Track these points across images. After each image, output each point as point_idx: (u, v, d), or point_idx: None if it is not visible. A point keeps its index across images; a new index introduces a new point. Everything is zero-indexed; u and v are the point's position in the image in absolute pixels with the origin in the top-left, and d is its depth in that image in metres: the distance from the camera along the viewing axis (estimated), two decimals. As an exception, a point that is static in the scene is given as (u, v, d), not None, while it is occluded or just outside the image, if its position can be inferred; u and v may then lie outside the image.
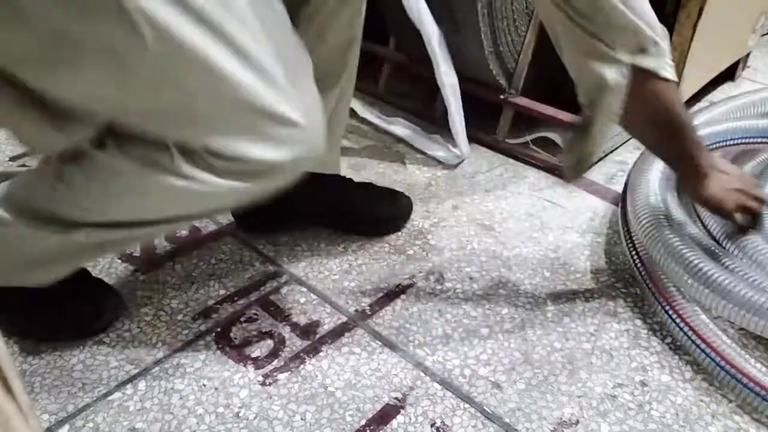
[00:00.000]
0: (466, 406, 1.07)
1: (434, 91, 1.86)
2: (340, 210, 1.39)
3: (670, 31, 1.70)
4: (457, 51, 1.69)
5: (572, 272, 1.35)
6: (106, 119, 0.83)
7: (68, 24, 0.72)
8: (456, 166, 1.69)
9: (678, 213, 1.24)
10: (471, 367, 1.14)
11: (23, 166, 1.61)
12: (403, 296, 1.29)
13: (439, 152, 1.71)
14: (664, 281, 1.18)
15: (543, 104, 1.69)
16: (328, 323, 1.22)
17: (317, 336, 1.20)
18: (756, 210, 1.19)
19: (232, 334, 1.19)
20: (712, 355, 1.08)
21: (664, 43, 1.00)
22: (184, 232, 1.44)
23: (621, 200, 1.40)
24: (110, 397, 1.07)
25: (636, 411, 1.07)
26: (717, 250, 1.14)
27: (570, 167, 1.14)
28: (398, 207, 1.47)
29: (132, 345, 1.17)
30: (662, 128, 1.06)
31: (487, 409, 1.06)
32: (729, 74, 2.10)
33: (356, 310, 1.25)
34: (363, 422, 1.04)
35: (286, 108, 0.80)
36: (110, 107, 0.81)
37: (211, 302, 1.26)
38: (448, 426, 1.03)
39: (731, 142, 1.44)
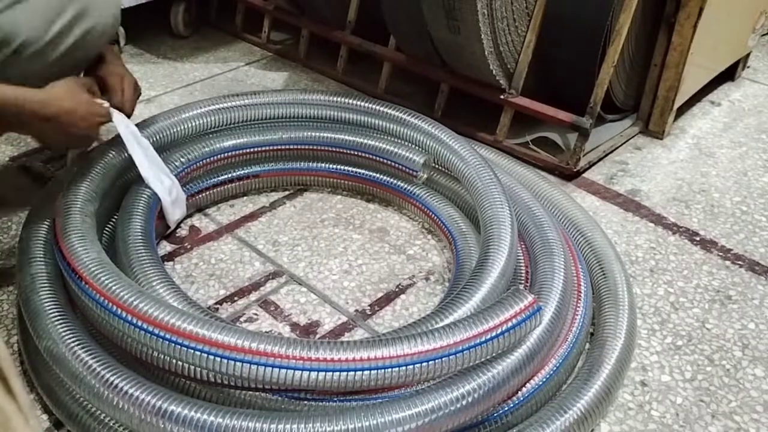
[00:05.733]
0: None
1: (434, 91, 1.86)
2: None
3: (670, 31, 1.71)
4: (457, 51, 1.69)
5: (572, 272, 1.35)
6: None
7: None
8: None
9: None
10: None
11: (23, 167, 1.61)
12: (403, 296, 1.29)
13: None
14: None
15: (543, 104, 1.69)
16: (328, 323, 1.22)
17: (317, 336, 1.20)
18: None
19: (232, 334, 1.19)
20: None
21: None
22: (184, 232, 1.44)
23: None
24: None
25: (636, 411, 1.07)
26: None
27: None
28: None
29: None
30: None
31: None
32: (729, 74, 2.11)
33: (356, 310, 1.26)
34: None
35: None
36: None
37: (211, 302, 1.26)
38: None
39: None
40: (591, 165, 1.70)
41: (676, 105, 1.79)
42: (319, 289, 1.30)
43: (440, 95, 1.85)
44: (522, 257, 1.25)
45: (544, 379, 1.04)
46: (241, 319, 1.22)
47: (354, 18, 2.01)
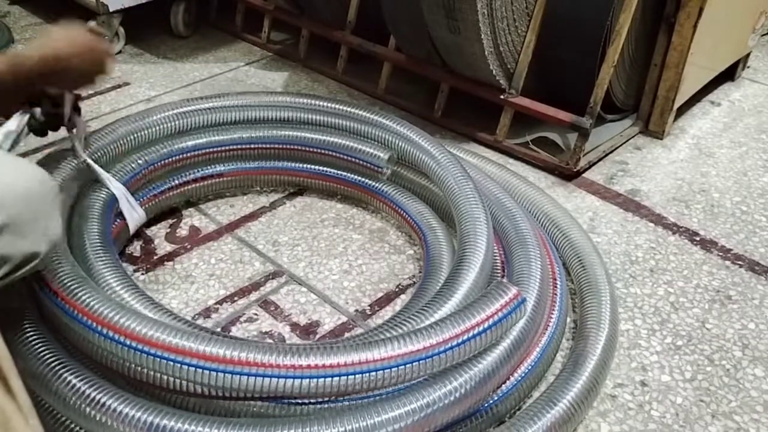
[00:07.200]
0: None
1: (434, 91, 1.86)
2: None
3: (670, 31, 1.71)
4: (457, 51, 1.69)
5: (572, 272, 1.36)
6: None
7: None
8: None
9: None
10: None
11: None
12: (403, 296, 1.29)
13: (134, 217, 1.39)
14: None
15: (543, 104, 1.69)
16: (328, 323, 1.22)
17: (317, 336, 1.20)
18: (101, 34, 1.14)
19: (232, 335, 1.19)
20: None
21: None
22: (184, 232, 1.44)
23: None
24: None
25: (636, 411, 1.07)
26: None
27: None
28: None
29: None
30: None
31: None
32: (729, 74, 2.11)
33: (356, 310, 1.26)
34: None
35: None
36: None
37: (211, 302, 1.26)
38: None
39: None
40: (591, 165, 1.70)
41: (676, 105, 1.79)
42: (319, 289, 1.30)
43: (440, 95, 1.85)
44: (496, 249, 1.25)
45: (530, 367, 1.06)
46: (241, 319, 1.22)
47: (354, 18, 2.01)
